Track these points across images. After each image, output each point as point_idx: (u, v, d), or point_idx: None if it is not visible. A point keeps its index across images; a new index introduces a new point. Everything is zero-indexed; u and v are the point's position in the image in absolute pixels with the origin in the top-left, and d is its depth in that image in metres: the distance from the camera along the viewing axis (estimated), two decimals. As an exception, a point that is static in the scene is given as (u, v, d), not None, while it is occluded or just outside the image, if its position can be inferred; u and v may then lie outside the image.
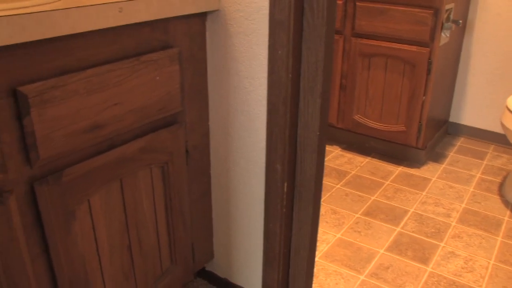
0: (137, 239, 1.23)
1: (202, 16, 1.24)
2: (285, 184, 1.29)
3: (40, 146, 0.92)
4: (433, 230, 2.01)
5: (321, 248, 1.90)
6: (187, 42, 1.21)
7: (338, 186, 2.36)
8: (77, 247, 1.07)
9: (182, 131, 1.23)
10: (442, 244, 1.92)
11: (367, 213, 2.13)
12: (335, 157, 2.65)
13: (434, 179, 2.44)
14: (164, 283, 1.37)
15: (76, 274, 1.09)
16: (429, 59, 2.26)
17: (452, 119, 2.94)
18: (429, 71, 2.28)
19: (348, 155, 2.68)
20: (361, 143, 2.71)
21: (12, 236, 0.93)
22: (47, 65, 0.93)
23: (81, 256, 1.09)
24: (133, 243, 1.22)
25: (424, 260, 1.82)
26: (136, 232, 1.22)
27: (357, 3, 2.38)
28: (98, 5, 0.95)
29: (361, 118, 2.58)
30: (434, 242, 1.94)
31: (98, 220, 1.10)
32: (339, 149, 2.74)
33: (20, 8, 0.90)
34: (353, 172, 2.49)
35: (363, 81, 2.51)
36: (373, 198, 2.26)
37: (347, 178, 2.44)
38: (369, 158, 2.64)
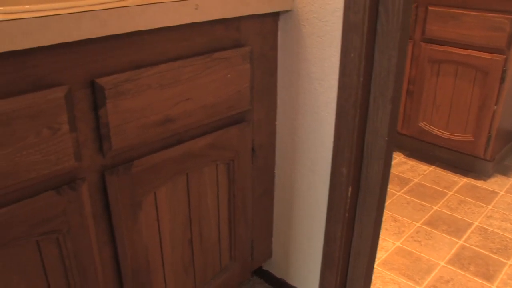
0: (199, 234, 1.24)
1: (275, 16, 1.24)
2: (350, 188, 1.26)
3: (113, 137, 0.94)
4: (499, 246, 1.93)
5: (379, 255, 1.86)
6: (259, 41, 1.21)
7: (399, 193, 2.31)
8: (142, 238, 1.09)
9: (249, 129, 1.23)
10: (510, 262, 1.84)
11: (428, 223, 2.07)
12: (398, 163, 2.59)
13: (502, 193, 2.34)
14: (222, 279, 1.37)
15: (138, 264, 1.11)
16: (504, 67, 2.17)
17: (523, 131, 2.82)
18: (503, 80, 2.19)
19: (411, 162, 2.61)
20: (425, 151, 2.64)
21: (83, 223, 0.96)
22: (123, 59, 0.95)
23: (144, 246, 1.11)
24: (195, 237, 1.23)
25: (489, 277, 1.75)
26: (199, 227, 1.23)
27: (429, 7, 2.32)
28: (174, 1, 0.96)
29: (426, 125, 2.51)
30: (500, 259, 1.86)
31: (163, 212, 1.12)
32: (402, 155, 2.68)
33: (101, 3, 0.93)
34: (415, 180, 2.43)
35: (431, 87, 2.44)
36: (435, 208, 2.19)
37: (409, 185, 2.38)
38: (433, 166, 2.57)
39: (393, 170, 2.52)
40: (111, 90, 0.91)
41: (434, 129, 2.49)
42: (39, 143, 0.85)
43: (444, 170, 2.53)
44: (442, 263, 1.81)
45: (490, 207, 2.21)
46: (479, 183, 2.42)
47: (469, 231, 2.02)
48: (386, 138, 1.19)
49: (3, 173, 0.82)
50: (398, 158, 2.65)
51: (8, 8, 0.83)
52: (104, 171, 0.97)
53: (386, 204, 2.21)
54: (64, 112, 0.86)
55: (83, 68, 0.89)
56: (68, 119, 0.87)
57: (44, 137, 0.85)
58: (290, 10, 1.23)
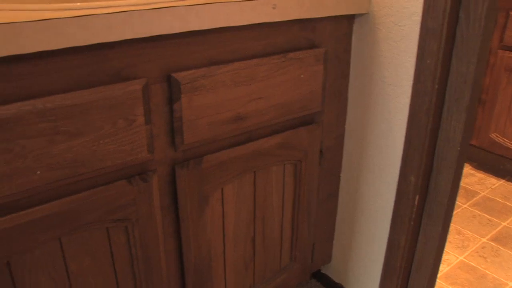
0: (262, 232, 1.24)
1: (350, 18, 1.22)
2: (417, 197, 1.23)
3: (186, 131, 0.95)
4: None
5: (441, 268, 1.80)
6: (333, 43, 1.19)
7: (465, 206, 2.23)
8: (206, 232, 1.10)
9: (319, 131, 1.22)
10: None
11: (495, 239, 1.99)
12: (465, 175, 2.50)
13: None
14: (280, 279, 1.37)
15: (201, 258, 1.12)
16: None
17: None
18: None
19: (479, 174, 2.52)
20: (496, 163, 2.54)
21: (151, 213, 0.97)
22: (200, 55, 0.96)
23: (208, 241, 1.11)
24: (258, 235, 1.23)
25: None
26: (262, 225, 1.23)
27: (510, 12, 2.21)
28: (253, 0, 0.96)
29: (498, 137, 2.41)
30: None
31: (229, 209, 1.12)
32: (470, 167, 2.59)
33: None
34: (483, 193, 2.34)
35: (506, 97, 2.34)
36: (504, 224, 2.10)
37: (476, 198, 2.29)
38: (503, 180, 2.46)
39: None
40: (187, 85, 0.92)
41: (507, 141, 2.38)
42: (115, 134, 0.87)
43: (514, 184, 2.43)
44: (511, 284, 1.73)
45: None
46: (552, 200, 2.31)
47: (539, 250, 1.93)
48: (459, 148, 1.15)
49: (80, 161, 0.85)
50: (465, 170, 2.55)
51: (92, 4, 0.85)
52: (175, 164, 0.98)
53: (451, 215, 2.14)
54: (141, 105, 0.88)
55: (160, 63, 0.91)
56: (144, 111, 0.89)
57: (120, 127, 0.87)
58: (365, 13, 1.21)
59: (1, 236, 0.82)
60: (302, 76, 1.11)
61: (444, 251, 1.89)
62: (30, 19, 0.73)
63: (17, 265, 0.86)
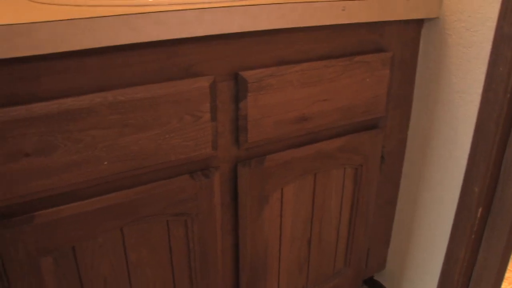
0: (318, 234, 1.22)
1: (419, 23, 1.18)
2: (480, 209, 1.19)
3: (250, 130, 0.95)
4: None
5: (503, 286, 1.74)
6: (400, 47, 1.17)
7: (527, 220, 2.14)
8: (263, 231, 1.10)
9: (381, 136, 1.20)
10: None
11: (559, 256, 1.90)
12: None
13: None
14: (333, 283, 1.35)
15: (257, 256, 1.11)
16: None
17: None
18: None
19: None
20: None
21: (211, 209, 0.98)
22: (268, 54, 0.95)
23: (264, 240, 1.11)
24: (314, 237, 1.22)
25: None
26: (319, 228, 1.21)
27: None
28: (323, 2, 0.95)
29: None
30: None
31: (287, 209, 1.12)
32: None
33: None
34: (547, 208, 2.24)
35: None
36: None
37: (539, 213, 2.19)
38: None
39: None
40: (254, 84, 0.92)
41: None
42: (181, 129, 0.88)
43: None
44: None
45: None
46: None
47: None
48: (529, 161, 1.10)
49: (146, 154, 0.86)
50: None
51: (166, 0, 0.86)
52: (237, 162, 0.99)
53: (512, 229, 2.05)
54: (207, 101, 0.88)
55: (229, 60, 0.91)
56: (210, 108, 0.89)
57: (186, 123, 0.88)
58: (435, 18, 1.17)
59: (68, 222, 0.84)
60: (367, 80, 1.09)
61: (507, 269, 1.82)
62: (106, 14, 0.75)
63: (81, 250, 0.89)
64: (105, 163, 0.83)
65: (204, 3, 0.87)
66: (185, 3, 0.86)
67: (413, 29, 1.18)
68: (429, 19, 1.19)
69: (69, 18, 0.72)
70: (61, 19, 0.72)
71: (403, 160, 1.35)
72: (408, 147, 1.33)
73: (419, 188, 1.33)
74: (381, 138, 1.20)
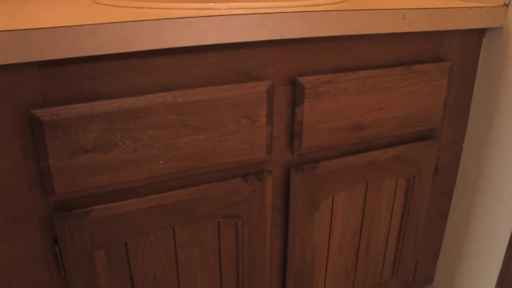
0: (367, 244, 1.21)
1: (480, 33, 1.15)
2: (538, 227, 1.15)
3: (305, 136, 0.95)
4: None
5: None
6: (459, 57, 1.14)
7: None
8: (312, 238, 1.09)
9: (436, 147, 1.17)
10: None
11: None
12: None
13: None
14: (379, 294, 1.33)
15: (304, 262, 1.11)
16: None
17: None
18: None
19: None
20: None
21: (262, 213, 0.98)
22: (326, 61, 0.95)
23: (313, 247, 1.10)
24: (362, 246, 1.20)
25: None
26: (368, 237, 1.20)
27: None
28: (383, 9, 0.94)
29: None
30: None
31: (337, 217, 1.11)
32: None
33: (312, 5, 0.94)
34: None
35: None
36: None
37: None
38: None
39: None
40: (311, 90, 0.91)
41: None
42: (237, 131, 0.88)
43: None
44: None
45: None
46: None
47: None
48: None
49: (202, 155, 0.87)
50: None
51: (229, 4, 0.87)
52: (290, 167, 0.98)
53: None
54: (264, 105, 0.88)
55: (287, 66, 0.91)
56: (266, 112, 0.89)
57: (243, 126, 0.88)
58: (498, 27, 1.14)
59: (123, 218, 0.86)
60: (424, 89, 1.07)
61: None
62: (171, 17, 0.76)
63: (133, 246, 0.90)
64: (161, 162, 0.85)
65: (266, 8, 0.87)
66: (247, 8, 0.87)
67: (474, 39, 1.15)
68: (492, 29, 1.15)
69: (133, 19, 0.74)
70: (125, 20, 0.73)
71: (457, 172, 1.31)
72: (463, 159, 1.30)
73: (473, 202, 1.29)
74: (435, 149, 1.17)
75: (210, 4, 0.87)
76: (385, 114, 1.04)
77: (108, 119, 0.78)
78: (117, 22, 0.72)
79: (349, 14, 0.90)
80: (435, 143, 1.16)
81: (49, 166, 0.76)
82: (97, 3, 1.01)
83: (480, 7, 1.05)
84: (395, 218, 1.22)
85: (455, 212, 1.36)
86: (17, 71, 0.72)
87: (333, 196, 1.07)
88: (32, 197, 0.79)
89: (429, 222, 1.33)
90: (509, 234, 1.20)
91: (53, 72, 0.74)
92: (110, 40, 0.73)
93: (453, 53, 1.12)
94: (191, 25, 0.77)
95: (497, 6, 1.07)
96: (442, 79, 1.09)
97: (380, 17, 0.94)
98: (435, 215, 1.33)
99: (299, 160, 1.00)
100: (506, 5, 1.09)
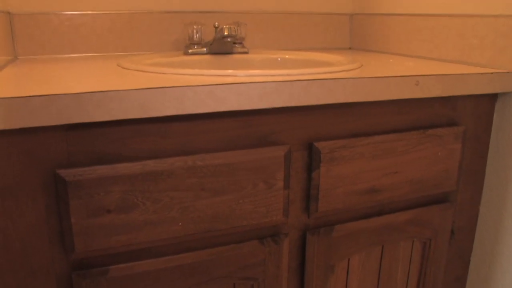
0: (383, 308, 1.19)
1: (493, 96, 1.17)
2: (557, 294, 1.12)
3: (321, 199, 0.96)
4: None
5: None
6: (473, 121, 1.15)
7: None
8: (328, 300, 1.08)
9: (451, 210, 1.17)
10: None
11: None
12: None
13: None
14: None
15: (319, 325, 1.09)
16: None
17: None
18: None
19: None
20: None
21: (278, 275, 0.98)
22: (341, 126, 0.97)
23: (328, 310, 1.09)
24: (378, 310, 1.19)
25: None
26: (384, 301, 1.18)
27: None
28: (397, 76, 0.96)
29: None
30: None
31: (353, 280, 1.10)
32: None
33: (328, 72, 0.96)
34: None
35: None
36: None
37: None
38: None
39: None
40: (327, 155, 0.93)
41: None
42: (254, 195, 0.89)
43: None
44: None
45: None
46: None
47: None
48: None
49: (219, 217, 0.88)
50: None
51: (247, 72, 0.90)
52: (306, 230, 0.99)
53: None
54: (282, 170, 0.90)
55: (304, 131, 0.93)
56: (284, 176, 0.91)
57: (260, 189, 0.89)
58: (510, 92, 1.16)
59: (141, 277, 0.86)
60: (439, 153, 1.08)
61: None
62: (192, 84, 0.79)
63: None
64: (180, 224, 0.86)
65: (283, 75, 0.90)
66: (264, 75, 0.90)
67: (486, 103, 1.16)
68: (504, 93, 1.17)
69: (156, 86, 0.77)
70: (149, 87, 0.76)
71: (474, 236, 1.30)
72: (479, 222, 1.29)
73: (491, 267, 1.27)
74: (451, 212, 1.17)
75: (229, 71, 0.91)
76: (400, 178, 1.04)
77: (130, 181, 0.80)
78: (141, 89, 0.76)
79: (363, 81, 0.92)
80: (451, 206, 1.16)
81: (71, 224, 0.78)
82: (121, 67, 1.05)
83: (492, 72, 1.08)
84: (412, 282, 1.20)
85: (474, 276, 1.34)
86: (46, 132, 0.76)
87: (349, 259, 1.06)
88: (52, 253, 0.81)
89: (446, 286, 1.31)
90: (528, 300, 1.18)
91: (79, 134, 0.77)
92: (134, 106, 0.76)
93: (467, 117, 1.14)
94: (211, 93, 0.80)
95: (508, 72, 1.09)
96: (456, 143, 1.11)
97: (394, 84, 0.96)
98: (452, 280, 1.31)
99: (315, 223, 1.00)
100: (517, 72, 1.11)
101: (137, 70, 0.99)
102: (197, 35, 1.35)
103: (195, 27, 1.35)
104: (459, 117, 1.13)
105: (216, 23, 1.34)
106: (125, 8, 1.40)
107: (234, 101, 0.81)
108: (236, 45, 1.38)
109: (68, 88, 0.76)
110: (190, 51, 1.33)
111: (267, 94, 0.83)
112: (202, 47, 1.34)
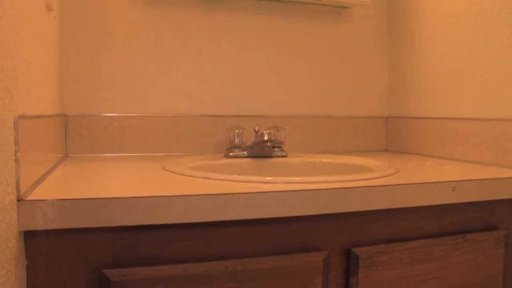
0: None
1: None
2: None
3: (362, 305, 0.94)
4: None
5: None
6: (512, 225, 1.14)
7: None
8: None
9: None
10: None
11: None
12: None
13: None
14: None
15: None
16: None
17: None
18: None
19: None
20: None
21: None
22: (379, 232, 0.97)
23: None
24: None
25: None
26: None
27: None
28: (433, 183, 0.97)
29: None
30: None
31: None
32: None
33: (365, 179, 0.98)
34: None
35: None
36: None
37: None
38: None
39: None
40: (365, 260, 0.93)
41: None
42: (293, 300, 0.89)
43: None
44: None
45: None
46: None
47: None
48: None
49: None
50: None
51: (288, 179, 0.93)
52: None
53: None
54: (320, 275, 0.90)
55: (342, 237, 0.93)
56: (322, 281, 0.90)
57: (299, 295, 0.89)
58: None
59: None
60: (480, 258, 1.06)
61: None
62: (234, 191, 0.81)
63: None
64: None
65: (321, 182, 0.92)
66: (303, 182, 0.92)
67: (525, 207, 1.15)
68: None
69: (201, 193, 0.79)
70: (194, 194, 0.79)
71: None
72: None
73: None
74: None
75: (269, 178, 0.93)
76: (440, 284, 1.02)
77: (172, 282, 0.81)
78: (186, 195, 0.79)
79: (400, 188, 0.93)
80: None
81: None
82: (166, 170, 1.09)
83: (528, 175, 1.08)
84: None
85: None
86: (95, 233, 0.79)
87: None
88: None
89: None
90: None
91: (125, 236, 0.80)
92: (178, 211, 0.79)
93: (506, 221, 1.12)
94: (253, 201, 0.82)
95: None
96: (498, 248, 1.08)
97: (431, 189, 0.97)
98: None
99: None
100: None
101: (182, 174, 1.03)
102: (238, 139, 1.40)
103: (236, 131, 1.40)
104: (498, 221, 1.11)
105: (256, 128, 1.39)
106: (170, 111, 1.47)
107: (274, 208, 0.83)
108: (275, 149, 1.41)
109: (117, 192, 0.79)
110: (231, 154, 1.37)
111: (306, 202, 0.85)
112: (243, 150, 1.38)
